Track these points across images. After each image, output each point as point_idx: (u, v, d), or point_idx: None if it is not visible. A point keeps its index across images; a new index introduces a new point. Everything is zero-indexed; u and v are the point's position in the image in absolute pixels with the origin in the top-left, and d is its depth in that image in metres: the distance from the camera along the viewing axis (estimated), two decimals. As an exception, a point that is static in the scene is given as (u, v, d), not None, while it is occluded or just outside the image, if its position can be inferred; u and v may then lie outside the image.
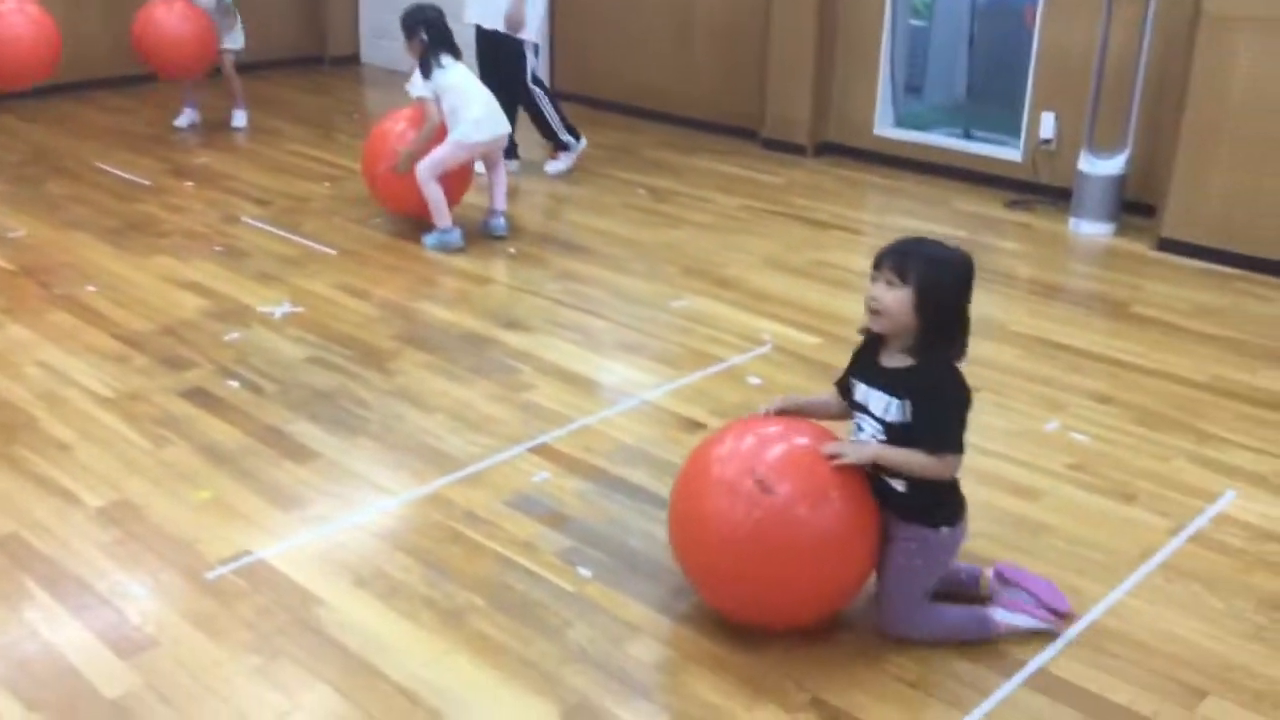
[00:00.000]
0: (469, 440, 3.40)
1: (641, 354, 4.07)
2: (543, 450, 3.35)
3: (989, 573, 2.70)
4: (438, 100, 4.89)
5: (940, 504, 2.51)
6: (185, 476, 3.18)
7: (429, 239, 5.03)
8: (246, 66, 7.10)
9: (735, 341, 4.17)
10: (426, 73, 4.89)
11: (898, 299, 2.37)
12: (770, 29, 6.69)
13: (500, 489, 3.15)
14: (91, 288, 4.47)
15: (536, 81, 6.14)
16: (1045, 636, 2.59)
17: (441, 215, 5.00)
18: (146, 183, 5.87)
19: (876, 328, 2.45)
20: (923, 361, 2.42)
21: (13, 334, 4.06)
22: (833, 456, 2.42)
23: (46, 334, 4.06)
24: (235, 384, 3.73)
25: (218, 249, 4.98)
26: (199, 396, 3.64)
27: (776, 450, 2.46)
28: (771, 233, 5.39)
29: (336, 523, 2.99)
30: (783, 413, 2.61)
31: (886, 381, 2.46)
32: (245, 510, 3.03)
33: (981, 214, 5.75)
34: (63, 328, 4.11)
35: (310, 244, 5.06)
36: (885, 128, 6.58)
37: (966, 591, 2.69)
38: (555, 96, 6.29)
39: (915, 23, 7.11)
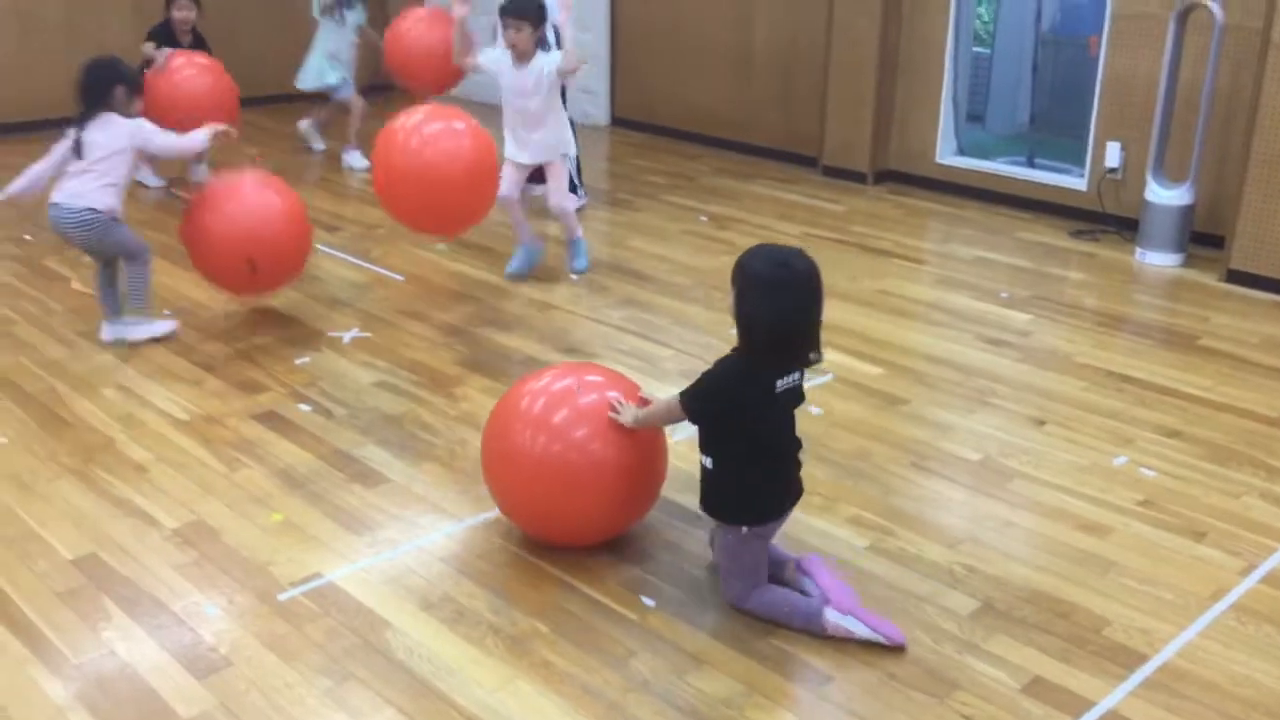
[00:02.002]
0: (533, 467, 3.43)
1: (703, 382, 4.09)
2: (606, 478, 3.37)
3: (793, 563, 2.84)
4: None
5: (729, 502, 2.75)
6: (258, 499, 3.25)
7: (580, 261, 5.16)
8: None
9: (797, 371, 4.16)
10: (546, 46, 4.95)
11: (730, 303, 2.68)
12: (830, 55, 6.71)
13: (564, 516, 3.17)
14: (167, 311, 4.57)
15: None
16: (1113, 676, 2.56)
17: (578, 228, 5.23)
18: (218, 208, 6.00)
19: None
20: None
21: (90, 356, 4.17)
22: (615, 413, 2.87)
23: (123, 356, 4.17)
24: (306, 408, 3.80)
25: (287, 273, 5.08)
26: (272, 420, 3.72)
27: (588, 399, 2.90)
28: (832, 261, 5.39)
29: (404, 546, 3.03)
30: None
31: None
32: (316, 533, 3.09)
33: (1046, 243, 5.71)
34: (138, 350, 4.22)
35: (378, 270, 5.16)
36: (947, 155, 6.57)
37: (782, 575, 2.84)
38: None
39: (978, 50, 7.09)
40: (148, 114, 4.65)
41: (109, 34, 7.36)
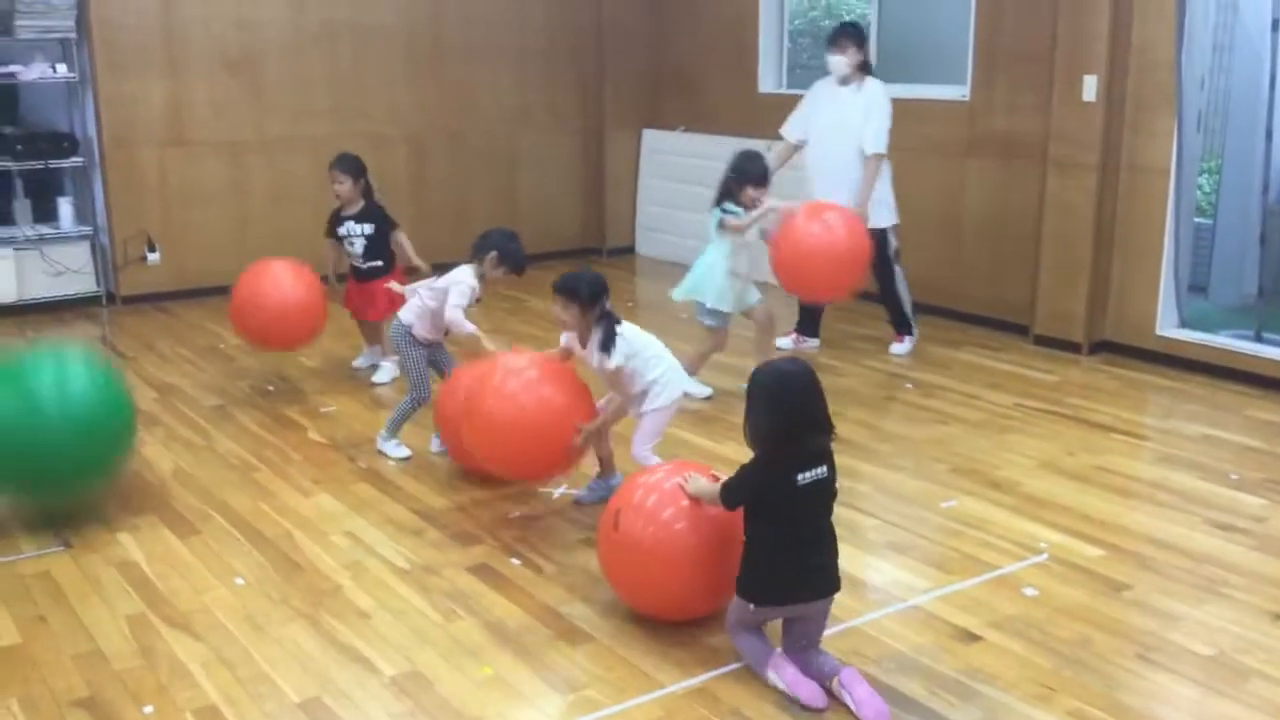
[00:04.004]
0: (737, 635, 3.43)
1: (911, 555, 4.02)
2: (811, 651, 3.32)
3: (838, 678, 3.04)
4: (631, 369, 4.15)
5: (744, 577, 3.18)
6: (471, 651, 3.35)
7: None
8: (533, 256, 7.33)
9: (1009, 548, 4.05)
10: (610, 345, 4.06)
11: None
12: (1044, 224, 6.65)
13: (764, 689, 3.13)
14: (393, 462, 4.84)
15: (897, 258, 6.50)
16: None
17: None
18: (442, 364, 6.35)
19: None
20: None
21: (323, 504, 4.44)
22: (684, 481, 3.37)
23: (352, 505, 4.42)
24: (517, 562, 3.93)
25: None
26: (485, 572, 3.85)
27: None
28: (1046, 433, 5.25)
29: (606, 710, 3.06)
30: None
31: None
32: (523, 689, 3.15)
33: (1278, 423, 5.40)
34: (366, 500, 4.47)
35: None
36: (1169, 328, 6.35)
37: (817, 674, 3.10)
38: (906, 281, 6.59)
39: (1199, 220, 6.89)
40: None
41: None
